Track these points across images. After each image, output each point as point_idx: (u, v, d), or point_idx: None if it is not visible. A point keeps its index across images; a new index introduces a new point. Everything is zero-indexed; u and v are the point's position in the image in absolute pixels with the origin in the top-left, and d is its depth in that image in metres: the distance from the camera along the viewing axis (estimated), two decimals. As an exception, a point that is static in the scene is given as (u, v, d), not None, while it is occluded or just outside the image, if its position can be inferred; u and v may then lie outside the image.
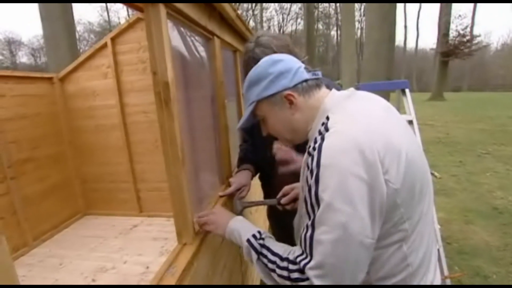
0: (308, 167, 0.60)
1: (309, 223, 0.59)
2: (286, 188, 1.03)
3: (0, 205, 1.95)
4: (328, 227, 0.55)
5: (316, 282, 0.57)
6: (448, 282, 1.93)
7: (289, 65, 0.71)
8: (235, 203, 1.14)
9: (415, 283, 0.63)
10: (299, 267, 0.61)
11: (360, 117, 0.62)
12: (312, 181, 0.58)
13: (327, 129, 0.62)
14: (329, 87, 0.76)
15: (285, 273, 0.63)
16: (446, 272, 1.91)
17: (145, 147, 2.47)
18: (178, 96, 0.81)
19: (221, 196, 1.15)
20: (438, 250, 1.87)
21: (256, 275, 1.87)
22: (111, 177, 2.60)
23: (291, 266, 0.63)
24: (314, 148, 0.60)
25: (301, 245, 0.62)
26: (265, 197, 1.40)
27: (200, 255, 0.86)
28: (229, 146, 1.38)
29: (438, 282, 0.70)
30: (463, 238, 2.75)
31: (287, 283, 0.63)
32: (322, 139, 0.60)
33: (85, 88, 2.46)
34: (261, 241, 0.72)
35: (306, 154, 0.64)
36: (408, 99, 2.32)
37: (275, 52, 1.01)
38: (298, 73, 0.70)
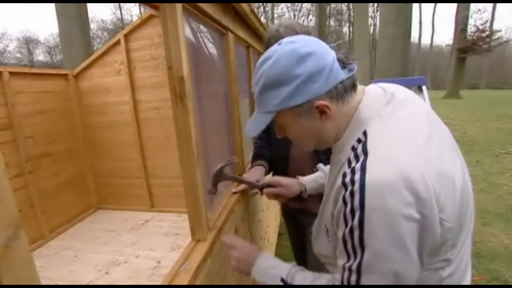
0: (344, 202, 0.50)
1: (353, 267, 0.51)
2: (273, 180, 1.02)
3: (18, 198, 2.01)
4: (379, 275, 0.49)
5: None
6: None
7: (321, 61, 0.54)
8: (217, 172, 0.99)
9: None
10: None
11: (405, 138, 0.52)
12: (354, 223, 0.49)
13: (365, 152, 0.51)
14: None
15: None
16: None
17: (157, 143, 2.50)
18: (193, 91, 0.80)
19: (234, 193, 1.14)
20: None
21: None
22: (123, 172, 2.64)
23: None
24: (352, 181, 0.49)
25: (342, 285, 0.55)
26: None
27: (213, 252, 0.85)
28: (242, 143, 1.37)
29: None
30: (481, 240, 2.66)
31: None
32: (363, 169, 0.49)
33: (99, 84, 2.50)
34: None
35: (338, 181, 0.53)
36: (425, 96, 2.25)
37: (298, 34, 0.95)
38: (333, 71, 0.55)
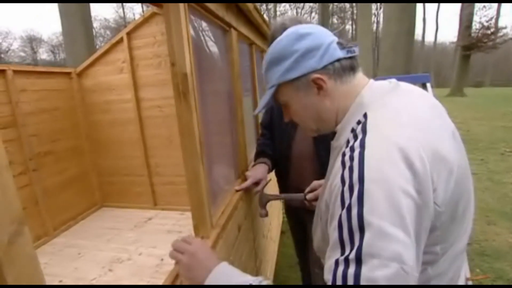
0: (342, 181, 0.48)
1: (351, 255, 0.43)
2: (314, 183, 1.00)
3: (23, 196, 2.02)
4: (383, 260, 0.41)
5: None
6: (469, 283, 1.86)
7: (318, 40, 0.60)
8: (260, 196, 1.17)
9: None
10: None
11: (405, 118, 0.52)
12: (353, 200, 0.45)
13: (364, 131, 0.51)
14: None
15: None
16: (468, 274, 1.84)
17: (160, 141, 2.50)
18: (196, 88, 0.79)
19: (237, 190, 1.14)
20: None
21: (269, 271, 1.86)
22: (126, 170, 2.65)
23: None
24: (351, 158, 0.49)
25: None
26: (281, 192, 1.38)
27: (217, 249, 0.85)
28: (245, 140, 1.37)
29: None
30: (485, 239, 2.64)
31: None
32: (362, 146, 0.49)
33: (102, 82, 2.51)
34: None
35: (338, 162, 0.52)
36: (430, 94, 2.22)
37: None
38: (330, 50, 0.59)
